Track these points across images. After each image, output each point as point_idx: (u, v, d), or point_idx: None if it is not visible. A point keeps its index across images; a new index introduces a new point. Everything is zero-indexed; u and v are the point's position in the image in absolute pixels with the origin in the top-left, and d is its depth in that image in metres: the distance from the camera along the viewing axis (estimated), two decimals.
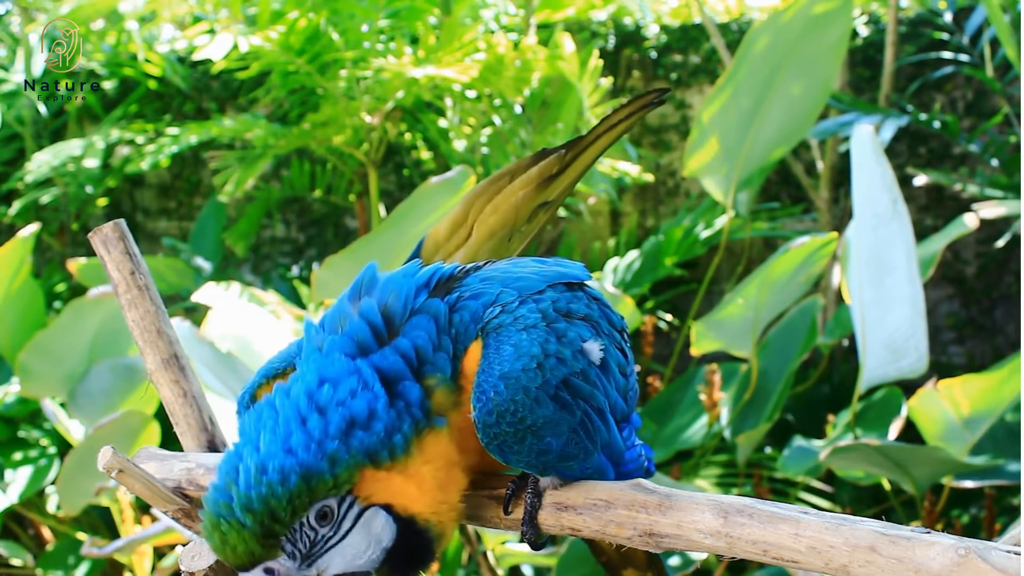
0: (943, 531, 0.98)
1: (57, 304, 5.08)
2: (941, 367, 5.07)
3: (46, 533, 4.11)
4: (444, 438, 1.09)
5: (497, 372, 1.06)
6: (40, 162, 5.13)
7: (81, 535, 3.96)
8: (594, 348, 1.14)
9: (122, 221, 1.45)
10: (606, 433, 1.14)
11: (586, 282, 1.21)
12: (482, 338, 1.10)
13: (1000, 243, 5.13)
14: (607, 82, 4.62)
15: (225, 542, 1.02)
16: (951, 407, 3.26)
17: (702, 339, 3.82)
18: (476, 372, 1.09)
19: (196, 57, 5.08)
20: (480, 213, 1.38)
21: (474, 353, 1.10)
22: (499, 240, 1.38)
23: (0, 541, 4.08)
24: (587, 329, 1.15)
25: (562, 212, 5.02)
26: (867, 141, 3.24)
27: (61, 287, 5.32)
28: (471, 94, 4.61)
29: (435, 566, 3.49)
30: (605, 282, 4.64)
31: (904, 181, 4.95)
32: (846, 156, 5.22)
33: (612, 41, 5.72)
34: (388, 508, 1.05)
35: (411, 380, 1.08)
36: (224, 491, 1.02)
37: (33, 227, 3.91)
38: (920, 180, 4.98)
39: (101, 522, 4.05)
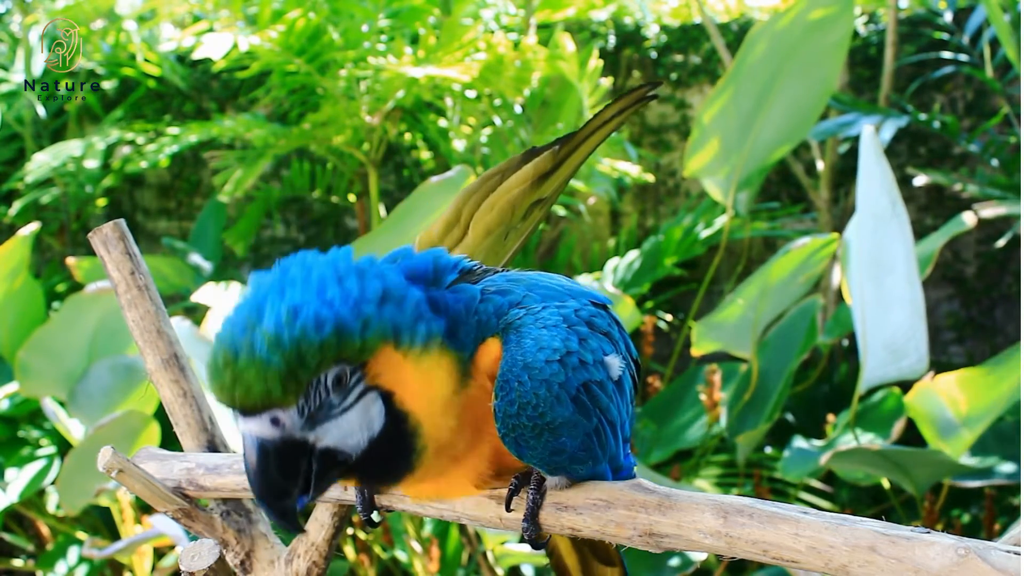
0: (943, 531, 0.98)
1: (57, 304, 5.08)
2: (941, 367, 5.06)
3: (46, 532, 4.11)
4: (457, 364, 1.07)
5: (521, 363, 1.05)
6: (40, 162, 5.13)
7: (81, 535, 3.96)
8: (615, 363, 1.13)
9: (122, 221, 1.45)
10: (615, 447, 1.15)
11: (608, 306, 1.21)
12: (502, 336, 1.09)
13: (1000, 243, 5.13)
14: (607, 82, 4.62)
15: (238, 381, 0.97)
16: (949, 404, 3.26)
17: (702, 340, 3.83)
18: (489, 366, 1.08)
19: (196, 57, 5.08)
20: (473, 212, 1.37)
21: (490, 348, 1.09)
22: (496, 238, 1.38)
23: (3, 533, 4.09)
24: (608, 344, 1.14)
25: (562, 212, 5.02)
26: (869, 142, 3.25)
27: (61, 287, 5.32)
28: (471, 94, 4.61)
29: (435, 566, 3.49)
30: (605, 282, 4.64)
31: (904, 181, 4.95)
32: (846, 156, 5.23)
33: (612, 41, 5.72)
34: (388, 398, 1.03)
35: (446, 319, 1.07)
36: (244, 328, 0.97)
37: (33, 226, 3.91)
38: (920, 180, 4.98)
39: (101, 522, 4.05)
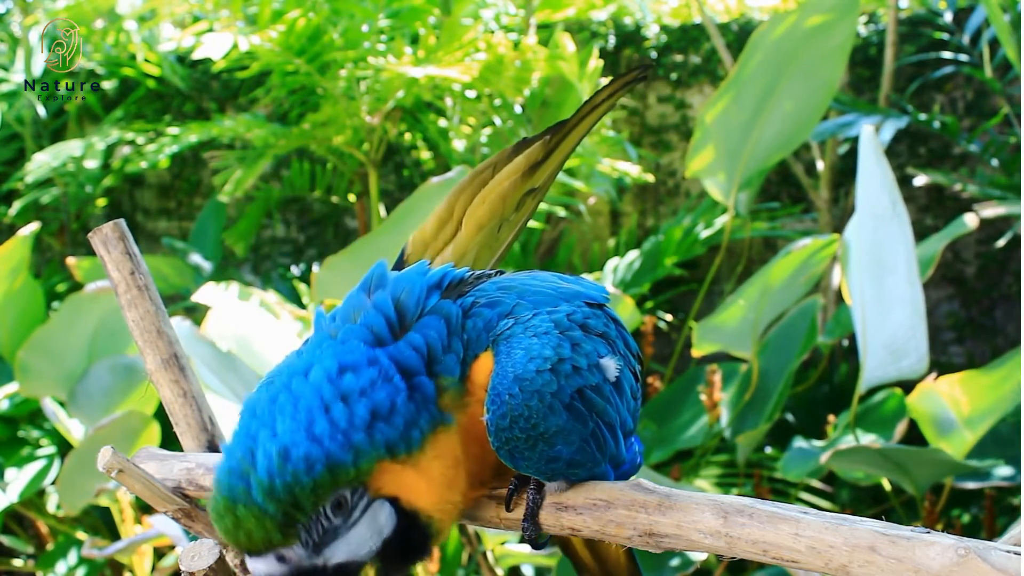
0: (943, 531, 0.98)
1: (57, 304, 5.08)
2: (941, 367, 5.07)
3: (46, 533, 4.11)
4: (453, 436, 1.08)
5: (511, 375, 1.05)
6: (40, 162, 5.13)
7: (81, 535, 3.96)
8: (611, 365, 1.12)
9: (122, 221, 1.45)
10: (615, 447, 1.14)
11: (605, 304, 1.20)
12: (492, 348, 1.09)
13: (1000, 243, 5.13)
14: (607, 82, 4.61)
15: (239, 527, 1.00)
16: (951, 405, 3.26)
17: (703, 342, 3.83)
18: (486, 380, 1.08)
19: (196, 57, 5.09)
20: (465, 208, 1.36)
21: (484, 362, 1.09)
22: (488, 231, 1.36)
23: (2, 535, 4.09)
24: (604, 346, 1.14)
25: (562, 212, 5.02)
26: (868, 142, 3.25)
27: (61, 287, 5.32)
28: (471, 94, 4.61)
29: (435, 567, 3.49)
30: (605, 282, 4.64)
31: (904, 181, 4.95)
32: (846, 156, 5.23)
33: (612, 41, 5.72)
34: (394, 501, 1.05)
35: (425, 376, 1.07)
36: (240, 475, 1.00)
37: (33, 226, 3.91)
38: (920, 180, 4.98)
39: (101, 522, 4.06)
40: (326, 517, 1.01)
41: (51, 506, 4.15)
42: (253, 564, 1.02)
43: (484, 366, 1.09)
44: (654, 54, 5.71)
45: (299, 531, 1.00)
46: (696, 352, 3.85)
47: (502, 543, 3.39)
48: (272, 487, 0.98)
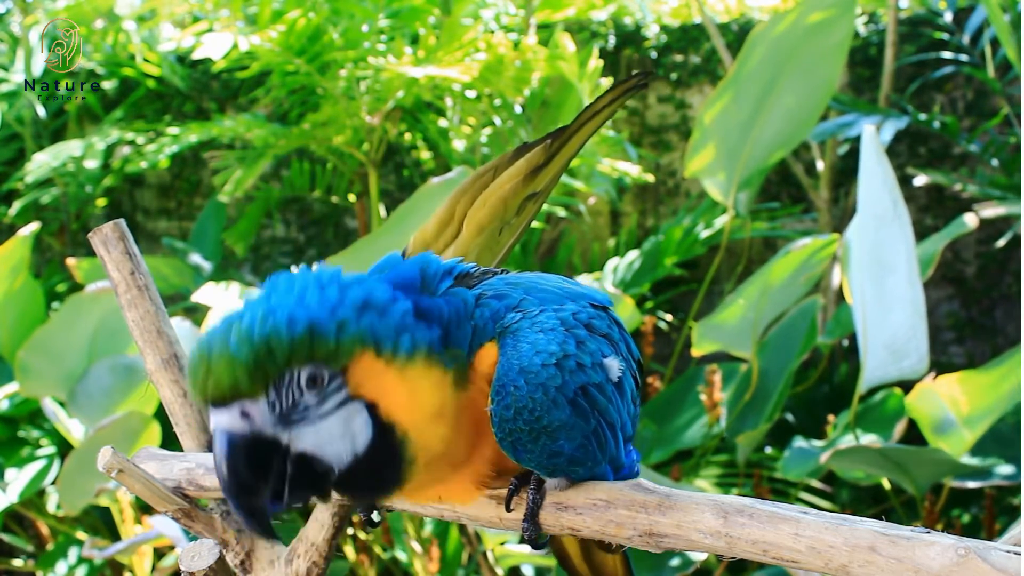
0: (943, 531, 0.98)
1: (57, 304, 5.08)
2: (941, 367, 5.07)
3: (46, 532, 4.11)
4: (449, 380, 1.07)
5: (517, 367, 1.05)
6: (40, 162, 5.13)
7: (81, 535, 3.96)
8: (614, 365, 1.13)
9: (122, 221, 1.46)
10: (615, 448, 1.14)
11: (608, 307, 1.21)
12: (499, 340, 1.09)
13: (1000, 243, 5.13)
14: (607, 82, 4.62)
15: (210, 372, 0.99)
16: (950, 405, 3.26)
17: (702, 341, 3.83)
18: (488, 370, 1.08)
19: (196, 57, 5.09)
20: (466, 210, 1.37)
21: (488, 353, 1.09)
22: (489, 234, 1.37)
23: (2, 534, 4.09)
24: (607, 346, 1.14)
25: (562, 212, 5.02)
26: (870, 142, 3.25)
27: (61, 287, 5.32)
28: (471, 94, 4.61)
29: (435, 567, 3.49)
30: (605, 282, 4.64)
31: (904, 181, 4.95)
32: (846, 156, 5.23)
33: (612, 41, 5.72)
34: (372, 410, 1.03)
35: (439, 328, 1.08)
36: (223, 329, 1.01)
37: (33, 226, 3.91)
38: (920, 180, 4.98)
39: (101, 522, 4.06)
40: (298, 387, 1.00)
41: (51, 506, 4.15)
42: (216, 416, 1.00)
43: (488, 356, 1.09)
44: (654, 54, 5.71)
45: (268, 386, 0.99)
46: (696, 352, 3.85)
47: (502, 543, 3.39)
48: (250, 335, 0.98)
